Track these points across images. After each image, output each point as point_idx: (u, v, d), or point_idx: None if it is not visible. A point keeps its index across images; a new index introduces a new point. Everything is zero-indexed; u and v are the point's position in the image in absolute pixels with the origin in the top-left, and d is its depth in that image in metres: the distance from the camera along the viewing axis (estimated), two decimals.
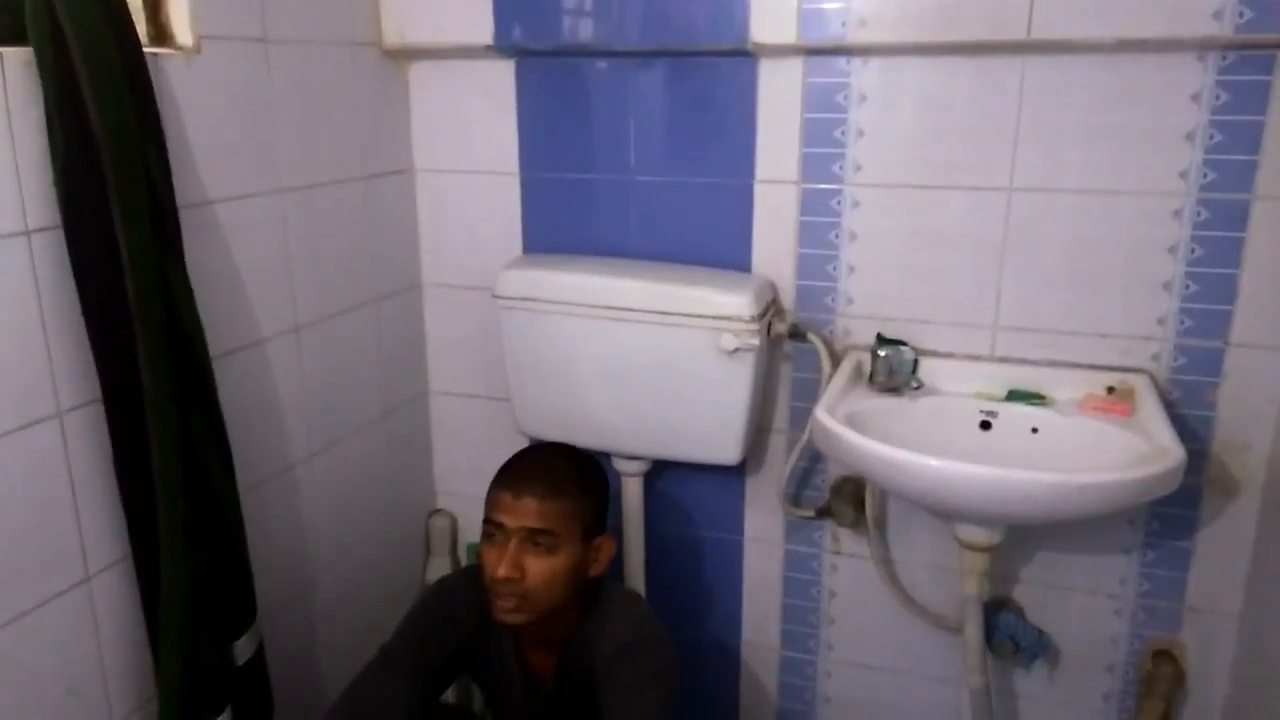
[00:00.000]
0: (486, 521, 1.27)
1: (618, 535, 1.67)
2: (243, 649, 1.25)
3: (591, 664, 1.28)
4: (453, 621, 1.33)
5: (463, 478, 1.87)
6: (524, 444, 1.76)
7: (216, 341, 1.23)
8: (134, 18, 1.07)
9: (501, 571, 1.22)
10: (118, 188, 1.02)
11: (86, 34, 0.98)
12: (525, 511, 1.24)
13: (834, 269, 1.52)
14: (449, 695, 1.48)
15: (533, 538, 1.23)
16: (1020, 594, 1.57)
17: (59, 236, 1.04)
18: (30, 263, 1.03)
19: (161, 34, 1.23)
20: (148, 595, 1.14)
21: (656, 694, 1.23)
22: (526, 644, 1.34)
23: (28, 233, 1.02)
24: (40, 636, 1.08)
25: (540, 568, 1.23)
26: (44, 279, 1.04)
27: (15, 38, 1.00)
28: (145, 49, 1.08)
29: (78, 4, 0.97)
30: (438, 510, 1.89)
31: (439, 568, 1.85)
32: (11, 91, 0.99)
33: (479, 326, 1.74)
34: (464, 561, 1.89)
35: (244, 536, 1.25)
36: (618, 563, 1.69)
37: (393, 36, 1.59)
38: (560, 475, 1.29)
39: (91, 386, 1.09)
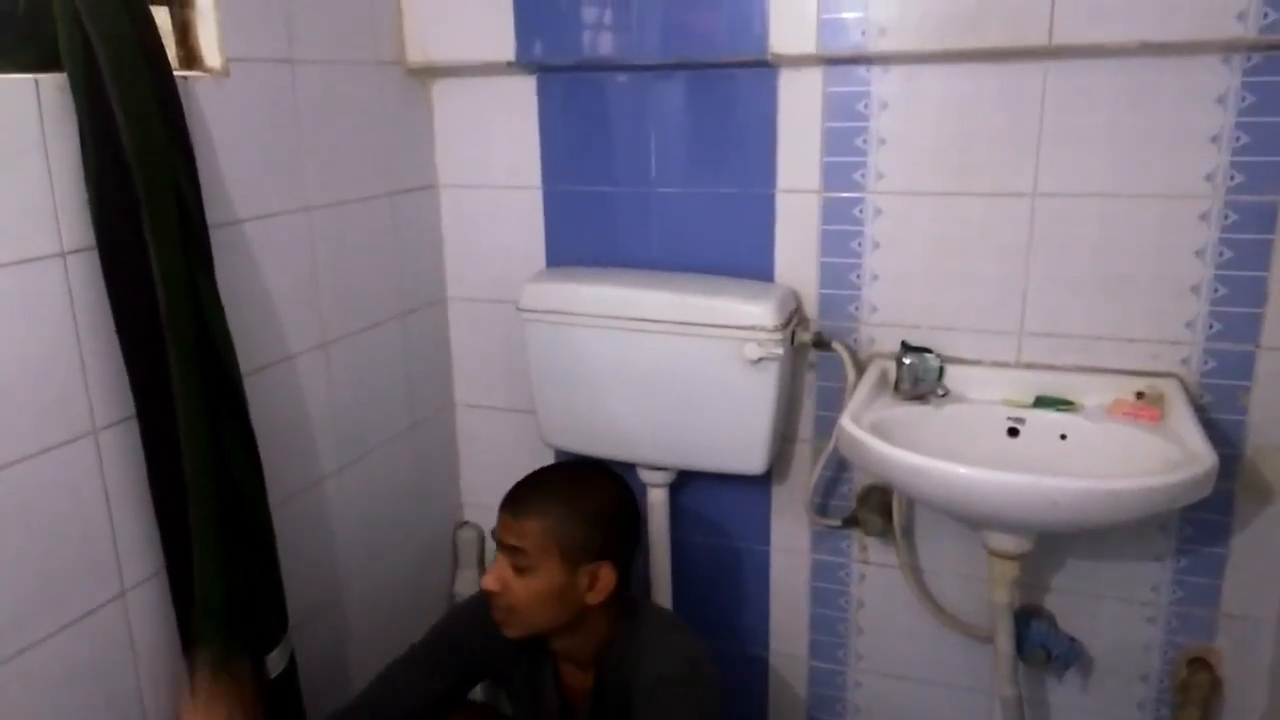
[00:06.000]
0: None
1: (643, 546, 1.68)
2: (275, 662, 1.26)
3: (629, 690, 1.25)
4: (484, 634, 1.33)
5: (489, 490, 1.86)
6: (549, 455, 1.78)
7: (247, 358, 1.25)
8: (164, 42, 1.09)
9: (483, 583, 1.25)
10: (150, 208, 1.04)
11: (118, 59, 1.00)
12: (505, 527, 1.25)
13: (857, 277, 1.52)
14: (478, 694, 1.48)
15: (512, 555, 1.23)
16: (1051, 602, 1.55)
17: (93, 258, 1.06)
18: (66, 284, 1.05)
19: (191, 57, 1.25)
20: (181, 608, 1.16)
21: None
22: (561, 662, 1.34)
23: (63, 254, 1.04)
24: (79, 649, 1.10)
25: (519, 585, 1.23)
26: (79, 299, 1.06)
27: (49, 63, 1.02)
28: (175, 72, 1.10)
29: (109, 30, 1.00)
30: (465, 522, 1.90)
31: (467, 580, 1.86)
32: (47, 116, 1.02)
33: (504, 339, 1.75)
34: None
35: (275, 549, 1.26)
36: (644, 575, 1.69)
37: (416, 55, 1.61)
38: (546, 494, 1.26)
39: (126, 404, 1.11)
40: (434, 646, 1.36)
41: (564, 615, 1.25)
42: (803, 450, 1.63)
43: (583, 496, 1.27)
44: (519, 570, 1.22)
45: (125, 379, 1.10)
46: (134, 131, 1.02)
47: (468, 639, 1.35)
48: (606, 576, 1.25)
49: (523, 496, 1.26)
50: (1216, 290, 1.35)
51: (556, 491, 1.27)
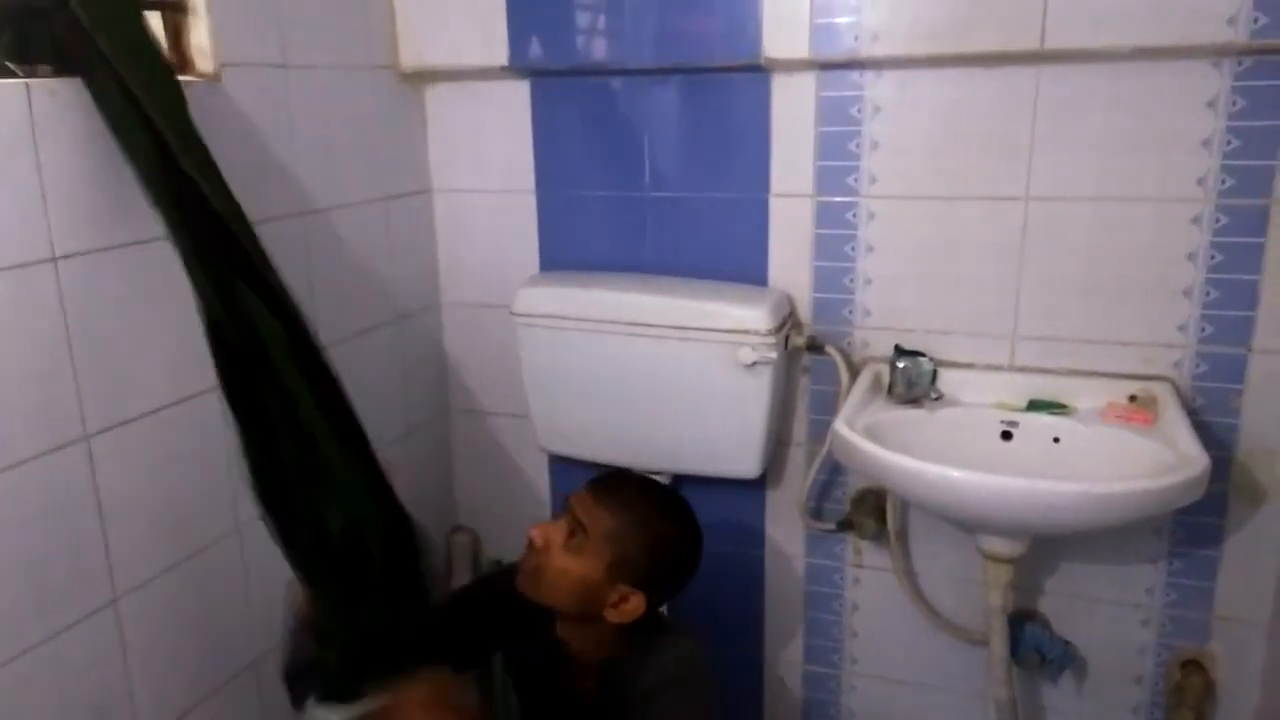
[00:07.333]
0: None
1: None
2: None
3: (632, 692, 1.26)
4: (502, 610, 1.33)
5: (484, 495, 1.87)
6: (544, 461, 1.78)
7: None
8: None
9: (530, 530, 1.25)
10: (213, 195, 1.03)
11: (131, 63, 0.99)
12: (582, 502, 1.25)
13: (851, 281, 1.52)
14: None
15: (573, 530, 1.24)
16: (1045, 605, 1.55)
17: (85, 263, 1.06)
18: (57, 290, 1.04)
19: (183, 61, 1.25)
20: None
21: None
22: (573, 657, 1.33)
23: (54, 260, 1.04)
24: (69, 658, 1.09)
25: (559, 554, 1.23)
26: (71, 305, 1.06)
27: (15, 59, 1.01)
28: None
29: (121, 33, 0.98)
30: (459, 527, 1.89)
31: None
32: (38, 121, 1.01)
33: (498, 344, 1.74)
34: None
35: None
36: None
37: (410, 59, 1.61)
38: (633, 500, 1.26)
39: (117, 410, 1.11)
40: (452, 615, 1.36)
41: (578, 608, 1.25)
42: (797, 454, 1.63)
43: (659, 523, 1.26)
44: (569, 545, 1.23)
45: (119, 384, 1.10)
46: (172, 124, 1.00)
47: (486, 612, 1.36)
48: (635, 604, 1.24)
49: (614, 488, 1.28)
50: (1208, 293, 1.35)
51: (641, 503, 1.27)
